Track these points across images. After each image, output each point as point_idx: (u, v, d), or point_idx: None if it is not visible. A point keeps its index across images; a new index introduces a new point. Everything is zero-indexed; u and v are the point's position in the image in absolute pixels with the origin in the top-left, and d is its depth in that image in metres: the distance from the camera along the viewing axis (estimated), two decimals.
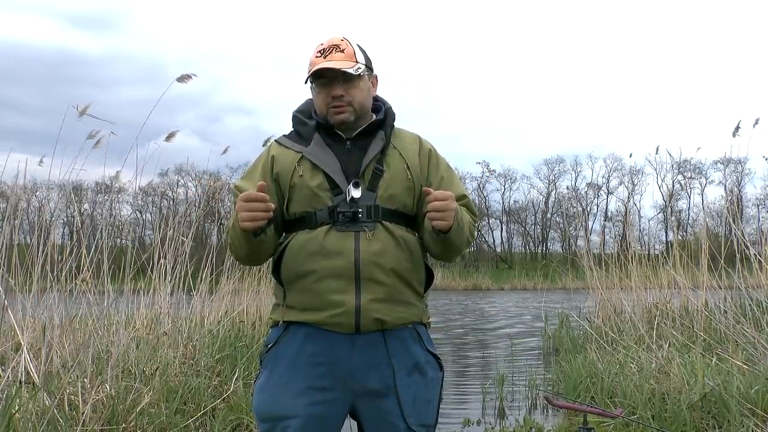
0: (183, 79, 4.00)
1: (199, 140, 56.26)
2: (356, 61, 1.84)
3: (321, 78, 1.83)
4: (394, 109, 1.97)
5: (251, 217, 1.67)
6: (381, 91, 1.99)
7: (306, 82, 1.88)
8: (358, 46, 1.89)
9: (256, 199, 1.67)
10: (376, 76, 1.94)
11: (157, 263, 5.48)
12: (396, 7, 78.84)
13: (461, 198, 1.89)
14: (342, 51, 1.83)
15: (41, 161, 4.67)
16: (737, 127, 6.30)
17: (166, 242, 5.54)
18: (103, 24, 71.26)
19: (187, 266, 5.78)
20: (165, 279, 5.50)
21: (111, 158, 4.86)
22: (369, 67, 1.89)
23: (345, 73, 1.81)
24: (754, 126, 6.22)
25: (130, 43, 67.57)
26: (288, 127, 1.98)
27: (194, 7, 78.98)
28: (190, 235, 5.88)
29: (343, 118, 1.83)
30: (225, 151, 7.10)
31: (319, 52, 1.84)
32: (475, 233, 1.92)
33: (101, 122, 4.32)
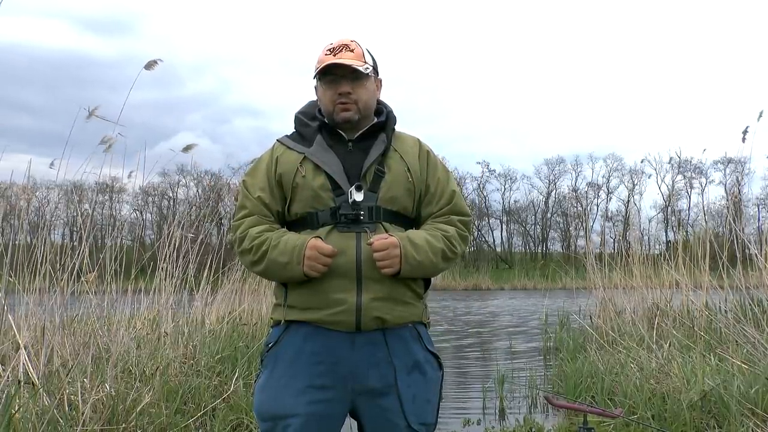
0: (150, 66, 4.08)
1: (210, 141, 56.71)
2: (365, 61, 1.86)
3: (330, 75, 1.85)
4: (404, 111, 2.00)
5: (314, 267, 1.73)
6: (390, 94, 2.02)
7: (314, 78, 1.90)
8: (366, 49, 1.91)
9: (329, 255, 1.73)
10: (380, 80, 1.96)
11: (160, 263, 5.48)
12: (404, 10, 78.83)
13: (450, 198, 1.92)
14: (351, 51, 1.85)
15: (52, 164, 4.68)
16: (745, 131, 6.20)
17: (171, 242, 5.54)
18: (116, 27, 71.26)
19: (189, 266, 5.78)
20: (168, 279, 5.51)
21: (116, 159, 4.85)
22: (375, 69, 1.92)
23: (354, 70, 1.83)
24: (758, 119, 6.01)
25: (142, 46, 67.54)
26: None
27: (205, 9, 79.12)
28: (188, 233, 5.89)
29: (348, 116, 1.84)
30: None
31: (329, 50, 1.86)
32: (465, 242, 1.91)
33: (109, 124, 4.33)
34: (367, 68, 1.86)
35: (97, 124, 4.36)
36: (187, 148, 5.64)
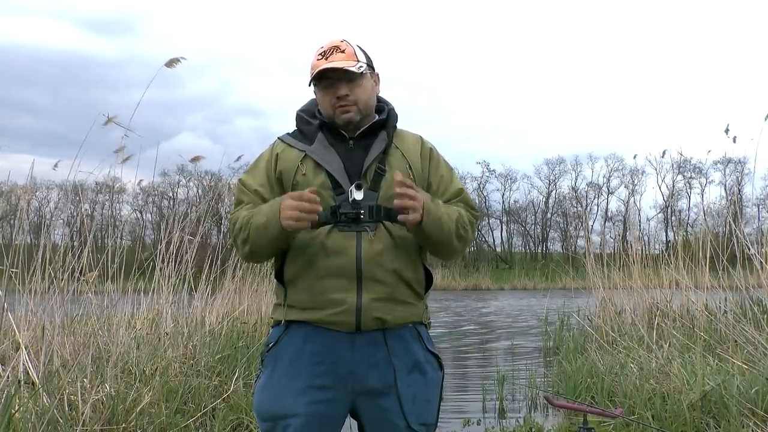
0: (171, 63, 4.04)
1: (211, 142, 56.85)
2: (357, 60, 1.84)
3: (324, 79, 1.83)
4: (404, 111, 1.98)
5: (297, 217, 1.66)
6: (391, 94, 1.99)
7: (310, 85, 1.89)
8: (358, 46, 1.89)
9: (309, 200, 1.66)
10: (377, 75, 1.94)
11: (159, 263, 5.48)
12: (403, 10, 78.83)
13: (458, 193, 1.91)
14: (343, 51, 1.84)
15: (56, 166, 4.69)
16: (727, 129, 6.34)
17: (171, 243, 5.54)
18: (118, 27, 71.12)
19: (189, 266, 5.78)
20: (167, 279, 5.51)
21: (116, 159, 4.84)
22: (370, 65, 1.90)
23: (347, 71, 1.81)
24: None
25: (144, 46, 67.43)
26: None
27: (206, 10, 78.98)
28: (194, 236, 5.89)
29: (350, 118, 1.84)
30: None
31: (320, 54, 1.84)
32: (474, 229, 1.90)
33: (111, 124, 4.32)
34: (361, 66, 1.84)
35: (98, 124, 4.36)
36: (194, 159, 5.70)
